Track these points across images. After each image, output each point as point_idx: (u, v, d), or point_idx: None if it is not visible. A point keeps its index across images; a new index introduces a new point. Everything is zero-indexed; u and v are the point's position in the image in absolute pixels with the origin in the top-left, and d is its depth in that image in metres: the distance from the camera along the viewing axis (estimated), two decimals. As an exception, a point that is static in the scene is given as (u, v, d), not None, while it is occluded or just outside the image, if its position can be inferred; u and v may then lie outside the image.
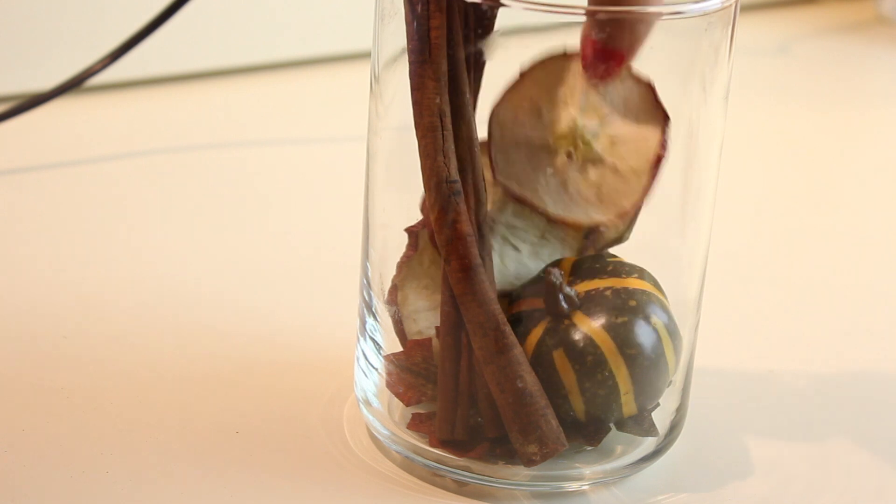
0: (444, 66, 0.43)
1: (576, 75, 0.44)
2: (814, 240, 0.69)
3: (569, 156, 0.45)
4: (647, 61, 0.44)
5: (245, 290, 0.58)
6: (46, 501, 0.44)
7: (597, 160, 0.45)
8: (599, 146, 0.45)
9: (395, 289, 0.46)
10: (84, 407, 0.49)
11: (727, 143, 0.47)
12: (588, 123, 0.44)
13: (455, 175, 0.43)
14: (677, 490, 0.47)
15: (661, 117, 0.44)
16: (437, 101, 0.43)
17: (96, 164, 0.70)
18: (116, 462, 0.46)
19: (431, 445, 0.45)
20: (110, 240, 0.62)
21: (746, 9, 0.99)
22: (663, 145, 0.44)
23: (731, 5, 0.44)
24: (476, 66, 0.44)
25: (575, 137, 0.45)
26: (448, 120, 0.43)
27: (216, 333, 0.54)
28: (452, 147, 0.43)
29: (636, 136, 0.45)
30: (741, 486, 0.47)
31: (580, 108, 0.44)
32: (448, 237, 0.43)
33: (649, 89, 0.44)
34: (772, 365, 0.55)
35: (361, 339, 0.47)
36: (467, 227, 0.43)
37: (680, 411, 0.47)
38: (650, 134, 0.45)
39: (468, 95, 0.43)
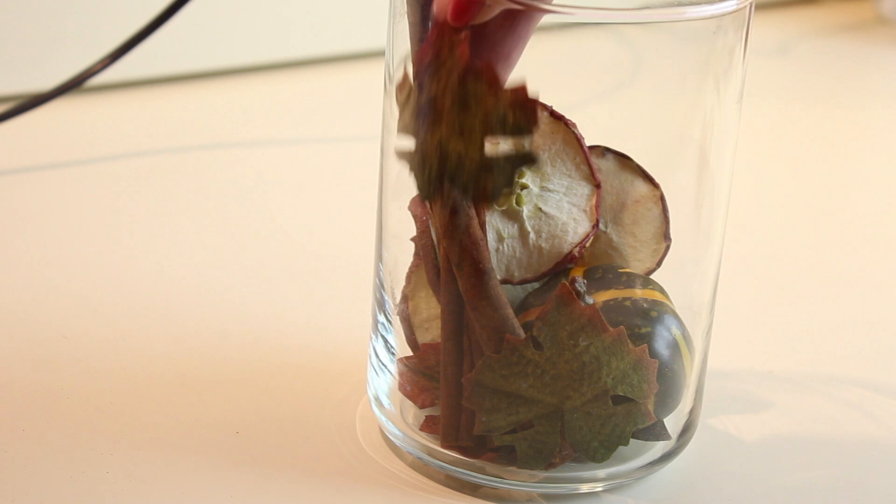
0: None
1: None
2: (814, 240, 0.69)
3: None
4: (662, 63, 0.44)
5: (251, 290, 0.58)
6: (46, 501, 0.44)
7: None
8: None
9: (405, 299, 0.46)
10: (84, 407, 0.49)
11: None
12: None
13: None
14: (686, 493, 0.47)
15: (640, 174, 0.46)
16: None
17: (96, 164, 0.70)
18: (116, 462, 0.46)
19: (443, 447, 0.45)
20: (110, 240, 0.62)
21: (746, 9, 0.99)
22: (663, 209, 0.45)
23: (744, 7, 0.44)
24: None
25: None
26: None
27: (219, 334, 0.54)
28: None
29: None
30: (749, 487, 0.47)
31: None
32: (461, 242, 0.43)
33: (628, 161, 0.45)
34: (772, 365, 0.55)
35: (374, 337, 0.47)
36: (479, 232, 0.43)
37: (693, 413, 0.47)
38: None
39: None
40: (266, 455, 0.47)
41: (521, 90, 0.41)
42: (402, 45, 0.44)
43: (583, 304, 0.43)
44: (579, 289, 0.44)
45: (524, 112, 0.41)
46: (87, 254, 0.60)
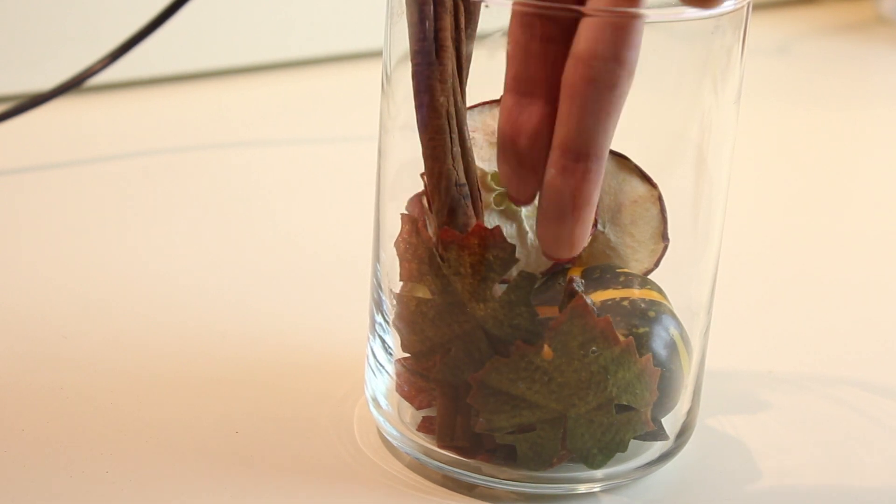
0: (451, 68, 0.43)
1: None
2: (813, 239, 0.69)
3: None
4: (659, 65, 0.44)
5: (251, 290, 0.58)
6: (46, 501, 0.44)
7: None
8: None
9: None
10: (84, 407, 0.49)
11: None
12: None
13: (463, 178, 0.43)
14: (684, 493, 0.47)
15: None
16: (445, 103, 0.43)
17: (96, 164, 0.70)
18: (116, 462, 0.46)
19: (439, 447, 0.45)
20: (110, 240, 0.62)
21: (746, 9, 0.99)
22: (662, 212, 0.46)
23: (742, 7, 0.44)
24: (466, 63, 0.44)
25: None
26: (454, 122, 0.43)
27: (218, 333, 0.54)
28: (459, 150, 0.43)
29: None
30: (746, 486, 0.47)
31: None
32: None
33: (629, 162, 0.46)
34: (772, 365, 0.55)
35: (372, 338, 0.47)
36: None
37: (690, 414, 0.47)
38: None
39: (462, 98, 0.43)
40: (265, 455, 0.47)
41: (479, 230, 0.42)
42: (399, 46, 0.44)
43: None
44: (577, 288, 0.44)
45: (496, 246, 0.42)
46: (87, 254, 0.61)
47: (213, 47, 0.81)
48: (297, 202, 0.68)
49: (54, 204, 0.66)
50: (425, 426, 0.46)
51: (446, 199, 0.43)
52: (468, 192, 0.43)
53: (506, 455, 0.45)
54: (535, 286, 0.43)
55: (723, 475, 0.48)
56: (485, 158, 0.45)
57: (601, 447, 0.44)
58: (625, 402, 0.44)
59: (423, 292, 0.44)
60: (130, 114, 0.77)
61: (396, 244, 0.45)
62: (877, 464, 0.49)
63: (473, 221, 0.43)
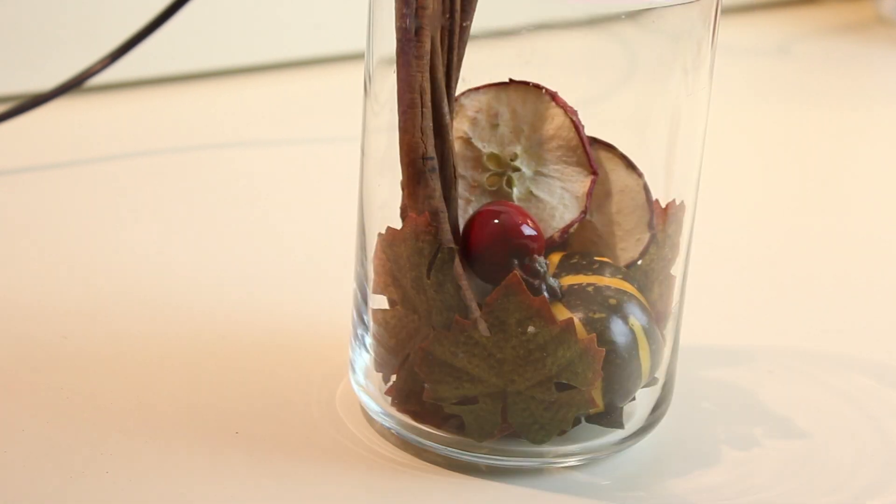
0: (428, 45, 0.43)
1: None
2: (813, 240, 0.69)
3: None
4: (631, 54, 0.44)
5: (245, 289, 0.58)
6: (46, 501, 0.44)
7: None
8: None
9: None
10: (84, 407, 0.49)
11: (726, 143, 0.47)
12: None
13: (432, 152, 0.44)
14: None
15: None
16: (420, 78, 0.43)
17: (96, 164, 0.70)
18: (116, 462, 0.46)
19: (397, 410, 0.46)
20: (110, 240, 0.62)
21: (746, 9, 0.99)
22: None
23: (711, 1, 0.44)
24: (460, 43, 0.44)
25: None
26: (428, 98, 0.44)
27: (216, 331, 0.54)
28: (431, 125, 0.44)
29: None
30: (745, 482, 0.48)
31: None
32: (421, 214, 0.44)
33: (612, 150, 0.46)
34: (771, 366, 0.55)
35: (359, 326, 0.48)
36: (440, 204, 0.44)
37: (661, 406, 0.48)
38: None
39: (441, 76, 0.44)
40: (265, 454, 0.47)
41: (410, 219, 0.43)
42: (381, 46, 0.45)
43: (544, 285, 0.44)
44: (539, 269, 0.44)
45: (425, 231, 0.44)
46: (87, 254, 0.61)
47: (212, 47, 0.81)
48: (299, 202, 0.68)
49: (54, 204, 0.66)
50: (391, 390, 0.47)
51: (411, 171, 0.44)
52: (435, 166, 0.44)
53: (457, 424, 0.45)
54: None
55: (723, 476, 0.48)
56: (485, 139, 0.45)
57: (543, 423, 0.45)
58: (565, 381, 0.44)
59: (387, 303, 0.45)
60: (130, 114, 0.77)
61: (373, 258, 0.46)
62: (874, 462, 0.49)
63: (438, 194, 0.44)
